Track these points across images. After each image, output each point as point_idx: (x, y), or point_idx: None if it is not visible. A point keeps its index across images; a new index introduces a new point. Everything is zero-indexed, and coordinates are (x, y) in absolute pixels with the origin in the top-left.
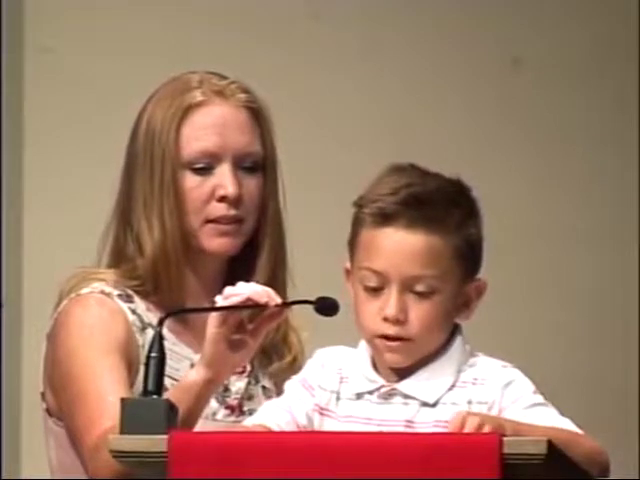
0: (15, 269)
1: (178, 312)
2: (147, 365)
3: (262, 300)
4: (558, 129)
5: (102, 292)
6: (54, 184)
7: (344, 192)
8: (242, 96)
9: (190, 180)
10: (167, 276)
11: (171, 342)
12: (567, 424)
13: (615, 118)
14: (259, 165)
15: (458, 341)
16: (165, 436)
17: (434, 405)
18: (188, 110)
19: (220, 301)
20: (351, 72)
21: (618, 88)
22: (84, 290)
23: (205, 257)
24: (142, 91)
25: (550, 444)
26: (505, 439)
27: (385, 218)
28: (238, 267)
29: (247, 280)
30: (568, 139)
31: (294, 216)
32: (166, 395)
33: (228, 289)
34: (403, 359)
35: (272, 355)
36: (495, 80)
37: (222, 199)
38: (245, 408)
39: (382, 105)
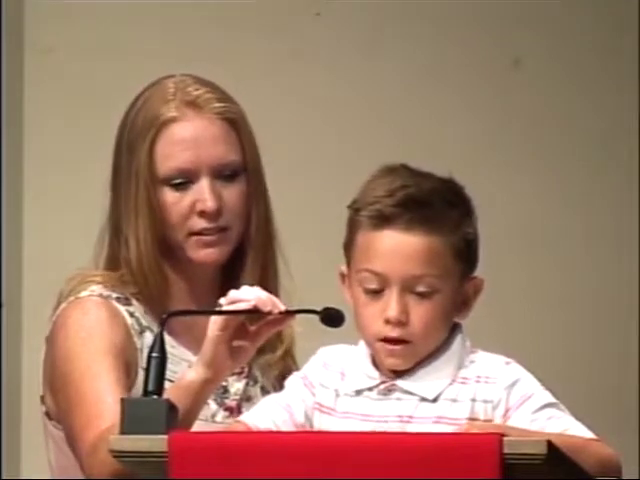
0: (15, 269)
1: (180, 313)
2: (148, 365)
3: (266, 308)
4: (558, 129)
5: (100, 295)
6: (54, 184)
7: (343, 191)
8: (216, 105)
9: (169, 196)
10: (151, 286)
11: (170, 345)
12: (578, 428)
13: (615, 118)
14: (239, 172)
15: (458, 339)
16: (165, 436)
17: (435, 400)
18: (161, 127)
19: (224, 305)
20: (351, 71)
21: (618, 88)
22: (83, 293)
23: (195, 266)
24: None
25: (550, 444)
26: (505, 439)
27: (383, 220)
28: (229, 273)
29: (236, 286)
30: (568, 139)
31: (292, 216)
32: (164, 395)
33: (233, 293)
34: (404, 362)
35: (265, 349)
36: (495, 80)
37: (202, 214)
38: (244, 409)
39: (382, 105)
